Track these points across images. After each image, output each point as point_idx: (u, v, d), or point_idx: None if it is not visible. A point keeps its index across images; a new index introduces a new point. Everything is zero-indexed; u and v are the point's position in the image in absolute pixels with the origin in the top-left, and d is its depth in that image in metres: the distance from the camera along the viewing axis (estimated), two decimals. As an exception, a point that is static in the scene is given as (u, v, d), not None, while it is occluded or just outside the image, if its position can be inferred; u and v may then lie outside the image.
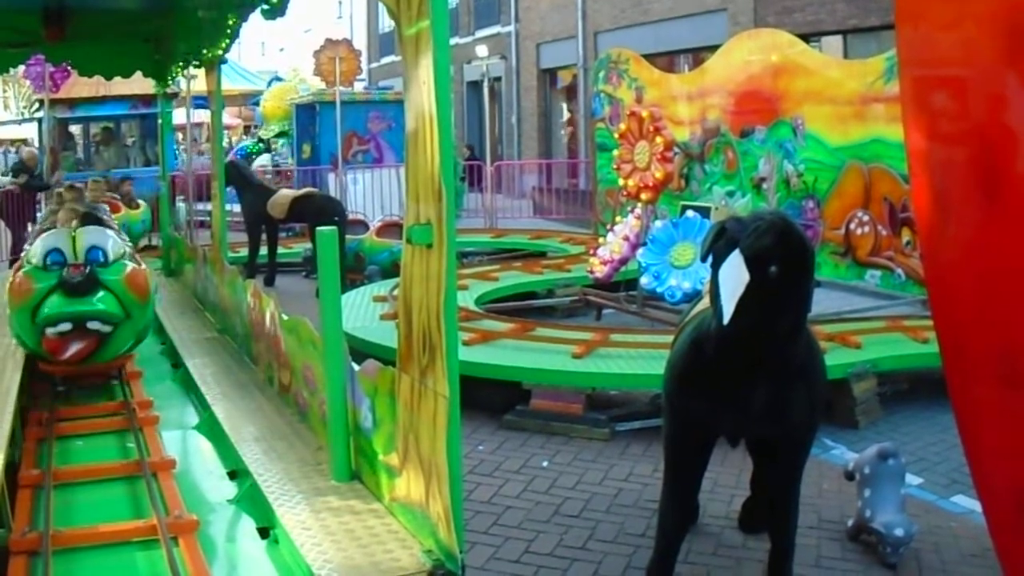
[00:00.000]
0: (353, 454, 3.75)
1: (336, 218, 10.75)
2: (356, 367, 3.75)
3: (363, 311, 8.44)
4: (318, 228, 3.75)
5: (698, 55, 17.15)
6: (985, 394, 3.65)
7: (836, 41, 15.29)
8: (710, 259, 3.56)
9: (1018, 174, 3.47)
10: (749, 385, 3.60)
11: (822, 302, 9.03)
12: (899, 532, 4.35)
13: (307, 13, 39.28)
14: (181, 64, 8.97)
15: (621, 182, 9.25)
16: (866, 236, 8.41)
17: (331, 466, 3.80)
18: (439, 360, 2.92)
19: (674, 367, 3.95)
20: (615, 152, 9.35)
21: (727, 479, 5.36)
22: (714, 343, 3.52)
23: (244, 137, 26.38)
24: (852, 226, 8.52)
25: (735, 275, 3.31)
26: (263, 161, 21.13)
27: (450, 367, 2.89)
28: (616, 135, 9.48)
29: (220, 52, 7.26)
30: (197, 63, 8.24)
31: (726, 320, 3.34)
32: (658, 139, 8.70)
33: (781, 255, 3.29)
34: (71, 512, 3.86)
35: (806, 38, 11.37)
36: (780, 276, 3.29)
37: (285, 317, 4.82)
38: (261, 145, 22.64)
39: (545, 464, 5.78)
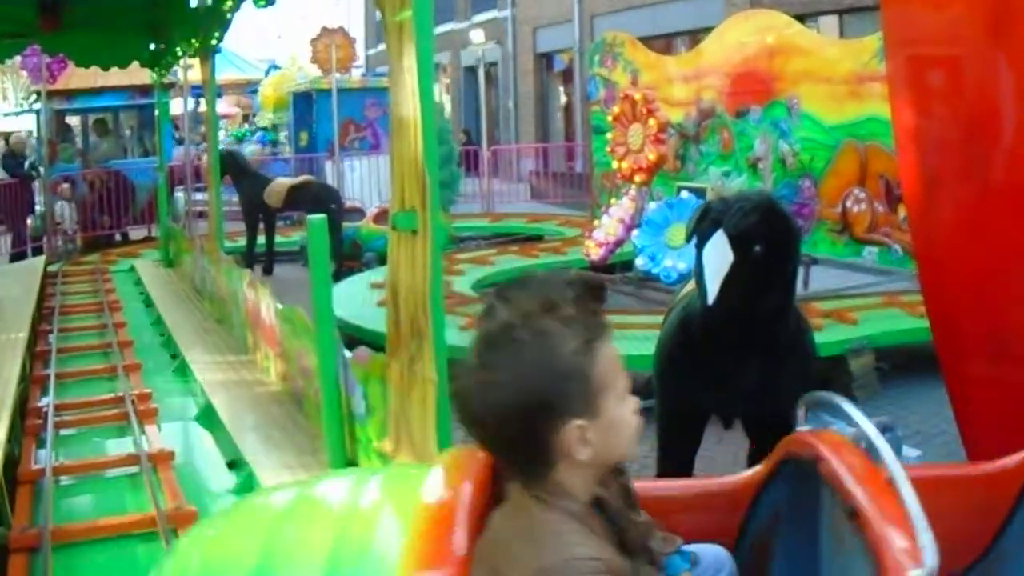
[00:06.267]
0: (348, 441, 3.77)
1: (332, 206, 10.80)
2: (349, 354, 3.77)
3: (360, 298, 8.45)
4: (310, 216, 3.77)
5: (695, 37, 17.06)
6: (976, 369, 3.67)
7: (832, 21, 15.23)
8: (695, 239, 3.57)
9: (1007, 151, 3.49)
10: (737, 364, 3.60)
11: (820, 279, 9.03)
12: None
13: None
14: (177, 53, 8.95)
15: (615, 164, 9.25)
16: (863, 213, 8.40)
17: (327, 454, 3.82)
18: (427, 346, 2.95)
19: (662, 347, 3.97)
20: (609, 135, 9.35)
21: (724, 457, 5.37)
22: (700, 323, 3.54)
23: (243, 126, 26.29)
24: (849, 204, 8.52)
25: (719, 255, 3.31)
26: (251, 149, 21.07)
27: (438, 352, 2.92)
28: (610, 118, 9.47)
29: (214, 41, 7.26)
30: (192, 52, 8.23)
31: (711, 300, 3.35)
32: (651, 121, 8.69)
33: (765, 234, 3.29)
34: (71, 506, 3.89)
35: (802, 18, 11.35)
36: (764, 255, 3.30)
37: (279, 306, 4.84)
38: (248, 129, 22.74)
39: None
